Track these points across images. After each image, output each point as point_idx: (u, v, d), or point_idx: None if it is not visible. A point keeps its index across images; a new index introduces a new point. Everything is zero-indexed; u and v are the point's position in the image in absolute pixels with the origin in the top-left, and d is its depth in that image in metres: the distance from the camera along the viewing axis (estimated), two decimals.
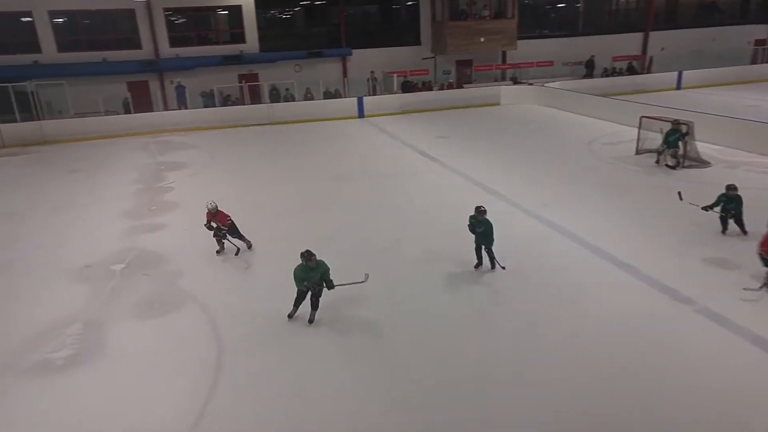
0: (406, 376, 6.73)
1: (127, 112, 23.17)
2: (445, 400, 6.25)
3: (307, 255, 7.60)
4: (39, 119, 21.76)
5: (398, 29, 29.43)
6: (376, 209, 12.58)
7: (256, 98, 25.40)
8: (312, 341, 7.55)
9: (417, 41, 28.60)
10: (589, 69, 29.37)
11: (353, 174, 15.44)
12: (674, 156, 14.37)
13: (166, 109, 24.34)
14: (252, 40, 26.13)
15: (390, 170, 15.67)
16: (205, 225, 10.15)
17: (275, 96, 25.36)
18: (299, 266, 7.67)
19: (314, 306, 7.88)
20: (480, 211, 8.89)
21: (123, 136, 21.72)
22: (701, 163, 14.50)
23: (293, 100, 25.01)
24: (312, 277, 7.68)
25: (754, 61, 31.09)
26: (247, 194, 14.06)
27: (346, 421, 6.02)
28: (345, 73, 27.51)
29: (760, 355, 6.79)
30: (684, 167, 14.31)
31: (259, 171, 16.41)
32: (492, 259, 9.20)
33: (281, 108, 24.04)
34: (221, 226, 10.05)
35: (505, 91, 26.40)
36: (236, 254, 10.25)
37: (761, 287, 8.10)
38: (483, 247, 9.16)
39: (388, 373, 6.81)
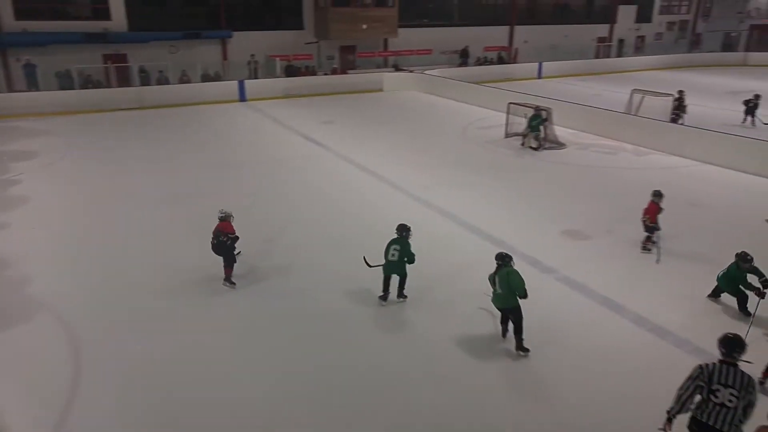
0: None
1: None
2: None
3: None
4: None
5: (280, 13, 28.91)
6: (260, 196, 12.36)
7: (125, 81, 23.70)
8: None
9: (300, 26, 28.35)
10: (463, 58, 31.00)
11: (235, 160, 15.09)
12: (536, 139, 15.78)
13: (11, 90, 21.86)
14: (119, 18, 24.30)
15: (275, 156, 15.52)
16: (213, 242, 8.08)
17: (145, 78, 23.86)
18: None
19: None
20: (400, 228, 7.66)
21: None
22: (558, 145, 16.06)
23: (168, 83, 23.79)
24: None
25: (597, 56, 35.51)
26: (116, 184, 13.12)
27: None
28: (225, 56, 26.63)
29: (607, 313, 7.78)
30: (545, 149, 15.77)
31: (130, 159, 15.28)
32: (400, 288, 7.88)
33: (154, 91, 22.74)
34: (228, 235, 7.98)
35: (387, 77, 27.10)
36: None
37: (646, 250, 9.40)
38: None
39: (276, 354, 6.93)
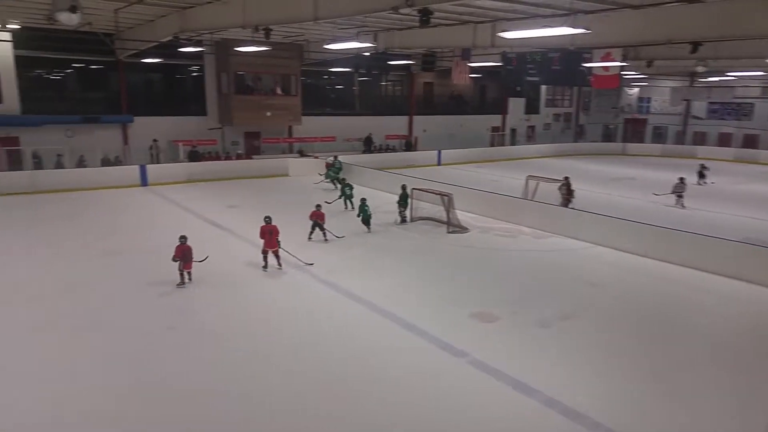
0: None
1: None
2: None
3: None
4: None
5: (183, 99, 28.96)
6: (155, 285, 11.71)
7: (16, 164, 22.26)
8: None
9: (203, 112, 28.29)
10: (367, 145, 32.18)
11: (132, 247, 14.32)
12: (400, 214, 17.62)
13: None
14: (11, 100, 23.04)
15: (175, 241, 14.88)
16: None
17: (37, 162, 22.55)
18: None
19: None
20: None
21: None
22: (462, 229, 16.74)
23: (63, 168, 22.59)
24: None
25: (492, 144, 38.14)
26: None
27: None
28: (126, 141, 25.84)
29: (518, 396, 7.86)
30: (449, 233, 16.35)
31: (15, 245, 14.25)
32: None
33: (48, 176, 21.53)
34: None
35: (293, 162, 27.41)
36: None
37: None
38: None
39: None
